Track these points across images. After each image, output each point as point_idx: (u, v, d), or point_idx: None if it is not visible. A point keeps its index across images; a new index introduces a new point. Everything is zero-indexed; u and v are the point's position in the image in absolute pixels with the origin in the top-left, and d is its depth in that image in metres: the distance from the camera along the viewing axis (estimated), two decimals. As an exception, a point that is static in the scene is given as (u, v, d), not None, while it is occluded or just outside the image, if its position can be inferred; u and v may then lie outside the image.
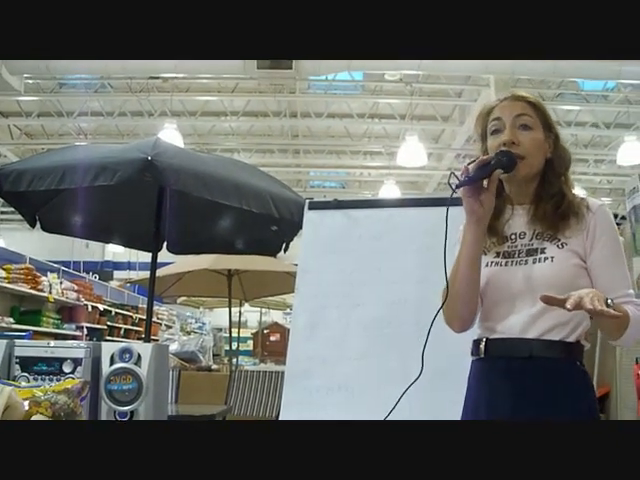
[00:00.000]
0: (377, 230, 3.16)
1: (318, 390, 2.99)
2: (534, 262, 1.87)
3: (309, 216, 3.28)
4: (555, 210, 1.89)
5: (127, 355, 2.64)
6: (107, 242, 7.59)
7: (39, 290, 8.25)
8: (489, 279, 1.92)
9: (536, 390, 1.80)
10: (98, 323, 10.51)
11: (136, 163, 3.31)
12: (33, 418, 1.97)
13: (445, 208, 1.87)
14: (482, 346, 1.91)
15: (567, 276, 1.83)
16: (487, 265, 1.93)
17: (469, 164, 1.84)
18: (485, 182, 1.85)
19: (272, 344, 12.63)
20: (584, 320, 1.85)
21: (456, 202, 1.86)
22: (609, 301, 1.65)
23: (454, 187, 1.82)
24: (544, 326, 1.82)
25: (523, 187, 1.94)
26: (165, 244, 4.62)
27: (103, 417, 2.59)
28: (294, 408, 2.97)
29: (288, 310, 13.26)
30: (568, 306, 1.57)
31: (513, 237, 1.95)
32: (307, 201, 3.33)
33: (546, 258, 1.85)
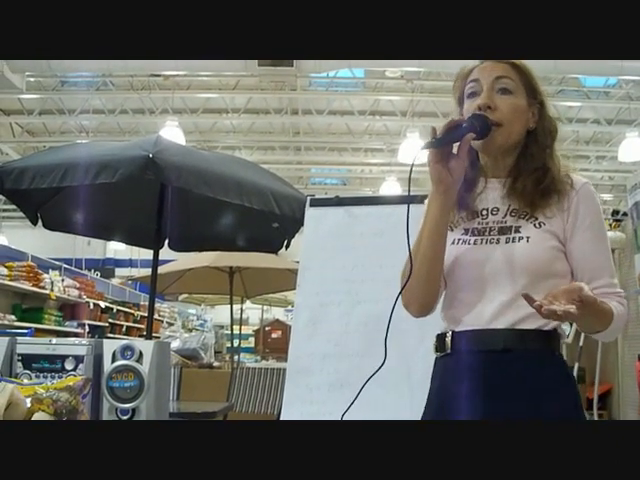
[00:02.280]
0: (378, 227, 3.16)
1: (319, 387, 3.00)
2: (507, 242, 1.66)
3: (310, 213, 3.28)
4: (536, 186, 1.69)
5: (129, 352, 2.65)
6: (109, 239, 7.61)
7: (41, 287, 8.27)
8: (456, 259, 1.71)
9: (512, 387, 1.61)
10: (100, 320, 10.54)
11: (138, 161, 3.31)
12: (35, 415, 1.97)
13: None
14: (448, 340, 1.71)
15: (544, 259, 1.64)
16: (453, 243, 1.73)
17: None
18: (455, 148, 1.65)
19: (274, 341, 12.66)
20: None
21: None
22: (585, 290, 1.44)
23: (420, 149, 1.61)
24: (518, 314, 1.62)
25: (500, 159, 1.75)
26: (167, 241, 4.63)
27: (104, 414, 2.60)
28: (295, 405, 2.98)
29: (290, 307, 13.27)
30: (543, 312, 1.40)
31: (484, 213, 1.74)
32: (308, 198, 3.34)
33: (521, 238, 1.65)
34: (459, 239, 1.73)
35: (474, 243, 1.70)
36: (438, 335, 1.76)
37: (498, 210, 1.73)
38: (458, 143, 1.65)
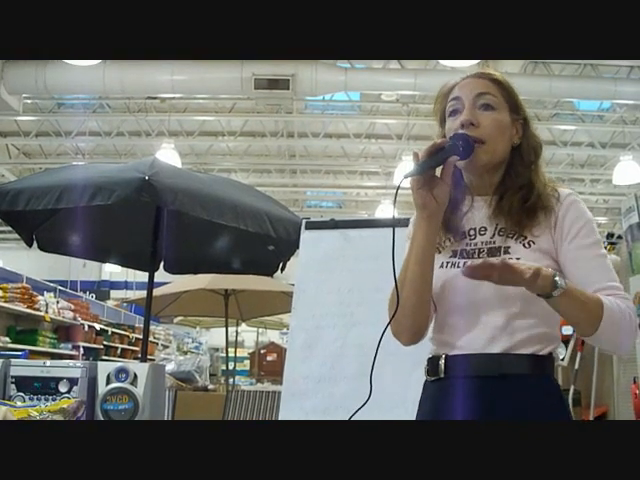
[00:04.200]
0: (374, 250, 3.16)
1: (315, 410, 2.98)
2: None
3: (306, 236, 3.28)
4: (522, 204, 1.63)
5: (123, 375, 2.64)
6: (104, 262, 7.60)
7: (35, 309, 8.23)
8: (445, 283, 1.65)
9: (508, 413, 1.55)
10: (94, 342, 10.48)
11: (133, 183, 3.31)
12: (28, 438, 1.96)
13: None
14: (442, 363, 1.64)
15: None
16: (442, 266, 1.66)
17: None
18: (438, 171, 1.58)
19: (269, 364, 12.61)
20: (557, 328, 1.64)
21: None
22: (557, 280, 1.42)
23: (403, 176, 1.56)
24: (513, 339, 1.58)
25: (485, 177, 1.70)
26: (162, 264, 4.62)
27: (99, 437, 2.58)
28: (291, 428, 2.96)
29: (285, 330, 13.23)
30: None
31: (472, 233, 1.69)
32: (304, 221, 3.34)
33: (511, 259, 1.56)
34: (447, 262, 1.67)
35: (463, 266, 1.57)
36: (430, 358, 1.70)
37: (486, 230, 1.68)
38: (442, 166, 1.59)
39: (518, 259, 1.57)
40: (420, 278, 1.62)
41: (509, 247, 1.62)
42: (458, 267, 1.64)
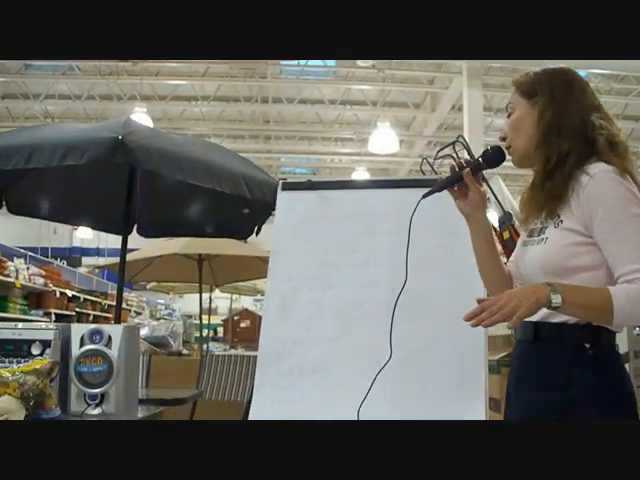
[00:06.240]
0: (350, 211, 3.15)
1: (291, 372, 2.98)
2: (538, 243, 1.78)
3: (282, 197, 3.25)
4: (543, 185, 1.77)
5: (97, 337, 2.60)
6: (76, 224, 7.50)
7: (5, 275, 8.12)
8: (514, 258, 1.92)
9: (534, 375, 1.77)
10: (67, 309, 10.37)
11: (106, 142, 3.23)
12: (1, 399, 1.93)
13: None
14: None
15: (557, 258, 1.71)
16: (520, 244, 1.90)
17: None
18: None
19: (242, 331, 12.60)
20: None
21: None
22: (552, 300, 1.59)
23: (422, 196, 1.86)
24: (545, 310, 1.67)
25: (536, 167, 1.84)
26: (135, 227, 4.56)
27: (73, 400, 2.55)
28: (267, 391, 2.95)
29: (259, 296, 13.24)
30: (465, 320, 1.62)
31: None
32: (280, 182, 3.31)
33: (542, 239, 1.76)
34: (522, 240, 1.88)
35: (523, 244, 1.86)
36: None
37: None
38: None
39: (546, 239, 1.75)
40: (485, 267, 1.94)
41: (546, 227, 1.77)
42: (523, 245, 1.86)
